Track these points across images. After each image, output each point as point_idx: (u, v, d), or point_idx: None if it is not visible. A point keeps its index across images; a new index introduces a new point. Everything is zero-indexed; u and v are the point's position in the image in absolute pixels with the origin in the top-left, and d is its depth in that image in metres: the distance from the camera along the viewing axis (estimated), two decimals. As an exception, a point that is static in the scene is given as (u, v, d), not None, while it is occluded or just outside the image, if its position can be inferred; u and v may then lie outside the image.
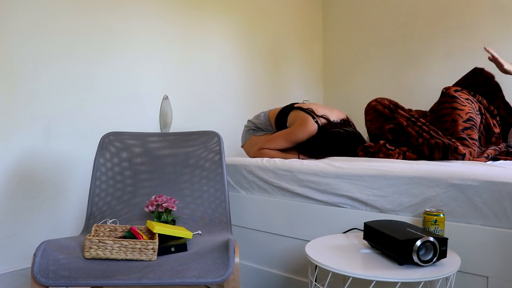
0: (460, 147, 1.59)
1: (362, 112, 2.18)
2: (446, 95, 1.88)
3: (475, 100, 1.92)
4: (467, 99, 1.87)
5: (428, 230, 1.21)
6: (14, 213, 1.93)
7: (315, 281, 1.21)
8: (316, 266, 1.18)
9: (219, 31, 2.84)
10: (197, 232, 1.52)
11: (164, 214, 1.54)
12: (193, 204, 1.67)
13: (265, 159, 1.90)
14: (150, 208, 1.53)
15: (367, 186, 1.48)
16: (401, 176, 1.41)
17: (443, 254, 1.10)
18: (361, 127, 2.18)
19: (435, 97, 2.47)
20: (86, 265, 1.19)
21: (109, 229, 1.42)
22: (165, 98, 2.36)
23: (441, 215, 1.22)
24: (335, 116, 2.04)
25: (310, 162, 1.75)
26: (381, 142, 1.81)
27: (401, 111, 1.90)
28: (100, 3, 2.22)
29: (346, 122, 2.03)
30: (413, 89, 2.98)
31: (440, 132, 1.72)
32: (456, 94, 1.86)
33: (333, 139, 1.89)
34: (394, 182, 1.42)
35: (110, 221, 1.55)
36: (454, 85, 2.16)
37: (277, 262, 1.74)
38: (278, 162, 1.80)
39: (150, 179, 1.74)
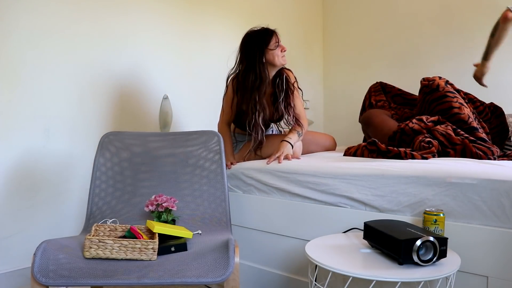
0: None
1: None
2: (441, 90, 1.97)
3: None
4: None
5: (428, 230, 1.21)
6: (14, 213, 1.93)
7: (315, 281, 1.21)
8: (316, 265, 1.18)
9: (219, 30, 2.84)
10: (197, 232, 1.52)
11: (164, 213, 1.54)
12: (193, 204, 1.67)
13: (263, 161, 1.91)
14: (150, 207, 1.53)
15: (365, 186, 1.48)
16: (399, 176, 1.41)
17: (443, 254, 1.10)
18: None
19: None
20: (86, 265, 1.19)
21: (109, 229, 1.42)
22: (165, 98, 2.36)
23: (441, 215, 1.22)
24: None
25: (309, 163, 1.75)
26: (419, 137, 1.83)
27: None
28: (101, 3, 2.22)
29: None
30: (414, 89, 2.98)
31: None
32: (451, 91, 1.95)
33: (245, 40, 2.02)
34: (392, 181, 1.42)
35: (110, 220, 1.55)
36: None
37: (277, 262, 1.74)
38: (277, 163, 1.80)
39: (150, 179, 1.74)
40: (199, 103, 2.70)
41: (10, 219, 1.92)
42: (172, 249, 1.32)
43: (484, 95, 2.25)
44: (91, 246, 1.24)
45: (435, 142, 1.75)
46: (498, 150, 1.74)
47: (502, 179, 1.21)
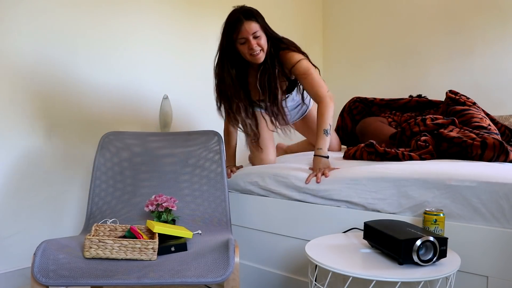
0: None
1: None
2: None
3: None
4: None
5: (428, 230, 1.21)
6: (14, 213, 1.93)
7: (315, 281, 1.21)
8: (316, 265, 1.18)
9: (219, 31, 2.84)
10: (197, 232, 1.52)
11: (164, 213, 1.54)
12: (193, 204, 1.67)
13: (263, 166, 1.91)
14: (150, 207, 1.53)
15: (365, 190, 1.47)
16: (399, 178, 1.40)
17: (443, 254, 1.10)
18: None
19: (435, 96, 2.46)
20: (86, 265, 1.19)
21: (109, 229, 1.42)
22: (165, 98, 2.36)
23: (441, 215, 1.22)
24: None
25: (309, 167, 1.74)
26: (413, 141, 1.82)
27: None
28: (101, 3, 2.22)
29: None
30: (414, 89, 2.98)
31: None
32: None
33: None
34: (392, 184, 1.41)
35: (110, 220, 1.55)
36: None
37: (277, 262, 1.74)
38: (276, 168, 1.80)
39: (150, 179, 1.74)
40: (199, 103, 2.71)
41: (10, 219, 1.92)
42: (172, 249, 1.32)
43: (484, 95, 2.25)
44: (91, 246, 1.24)
45: (429, 139, 1.74)
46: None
47: (501, 182, 1.21)
